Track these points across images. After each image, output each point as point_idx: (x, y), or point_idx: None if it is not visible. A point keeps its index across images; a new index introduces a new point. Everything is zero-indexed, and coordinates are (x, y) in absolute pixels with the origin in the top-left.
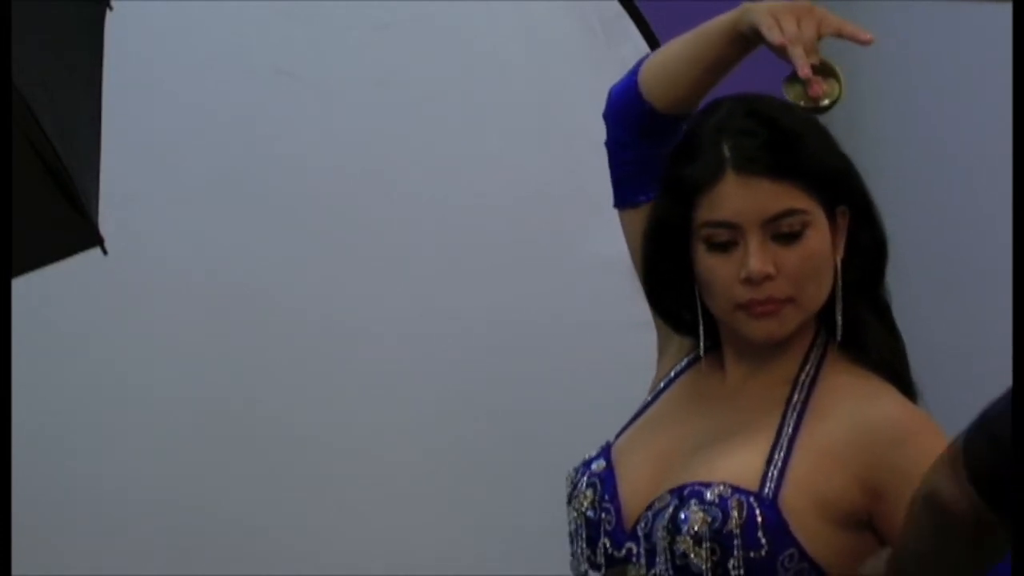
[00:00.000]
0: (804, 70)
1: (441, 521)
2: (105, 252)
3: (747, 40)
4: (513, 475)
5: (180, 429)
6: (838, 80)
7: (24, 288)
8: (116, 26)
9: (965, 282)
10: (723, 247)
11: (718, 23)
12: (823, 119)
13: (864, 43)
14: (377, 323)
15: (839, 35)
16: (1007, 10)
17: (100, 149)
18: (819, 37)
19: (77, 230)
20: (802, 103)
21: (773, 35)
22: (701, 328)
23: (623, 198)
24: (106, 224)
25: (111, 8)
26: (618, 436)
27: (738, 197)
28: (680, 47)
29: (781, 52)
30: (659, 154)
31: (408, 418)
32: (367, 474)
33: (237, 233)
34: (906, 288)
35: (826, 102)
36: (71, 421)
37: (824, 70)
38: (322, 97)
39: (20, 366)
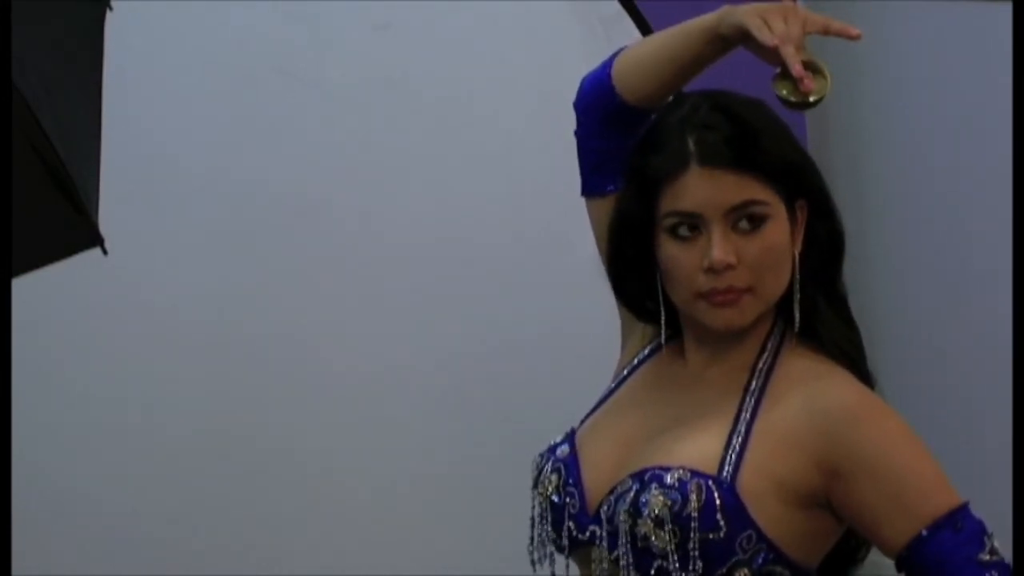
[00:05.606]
0: (797, 68)
1: (441, 525)
2: (105, 252)
3: (726, 41)
4: (513, 477)
5: (179, 428)
6: (825, 77)
7: (24, 288)
8: (116, 26)
9: (962, 279)
10: (686, 237)
11: (698, 23)
12: (821, 117)
13: (853, 38)
14: (377, 323)
15: (826, 32)
16: (1005, 9)
17: (100, 149)
18: (804, 35)
19: (77, 230)
20: (793, 99)
21: (763, 35)
22: (663, 316)
23: (591, 187)
24: (106, 224)
25: (111, 8)
26: (583, 422)
27: (702, 188)
28: (657, 44)
29: (771, 52)
30: (627, 145)
31: (408, 421)
32: (367, 476)
33: (237, 232)
34: (902, 284)
35: (814, 98)
36: (71, 421)
37: (811, 67)
38: (322, 97)
39: (20, 366)
